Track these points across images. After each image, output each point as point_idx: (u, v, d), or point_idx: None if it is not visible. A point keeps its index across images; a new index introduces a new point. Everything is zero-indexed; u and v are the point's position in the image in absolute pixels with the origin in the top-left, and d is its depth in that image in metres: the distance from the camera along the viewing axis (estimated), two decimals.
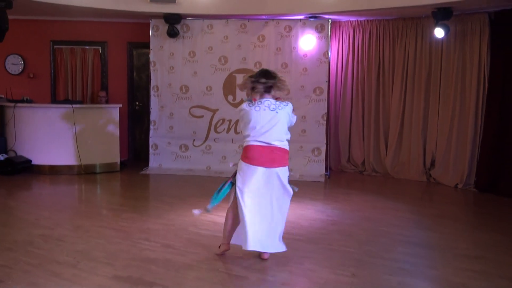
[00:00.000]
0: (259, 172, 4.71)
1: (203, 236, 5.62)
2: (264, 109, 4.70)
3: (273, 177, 4.79)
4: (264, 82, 4.71)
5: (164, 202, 7.39)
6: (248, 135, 4.75)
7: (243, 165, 4.75)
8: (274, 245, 4.79)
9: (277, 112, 4.75)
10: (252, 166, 4.69)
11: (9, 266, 4.61)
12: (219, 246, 4.97)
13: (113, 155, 9.84)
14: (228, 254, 4.94)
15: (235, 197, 4.76)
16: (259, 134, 4.70)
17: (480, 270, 4.76)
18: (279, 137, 4.82)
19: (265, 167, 4.72)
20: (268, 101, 4.75)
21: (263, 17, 9.65)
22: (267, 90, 4.76)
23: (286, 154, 4.94)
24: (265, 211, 4.76)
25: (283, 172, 4.89)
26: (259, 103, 4.73)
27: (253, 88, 4.76)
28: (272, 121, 4.72)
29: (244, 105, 4.78)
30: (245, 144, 4.79)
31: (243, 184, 4.71)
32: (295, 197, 7.70)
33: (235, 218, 4.81)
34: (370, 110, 9.94)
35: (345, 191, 8.68)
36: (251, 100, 4.82)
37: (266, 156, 4.74)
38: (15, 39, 10.25)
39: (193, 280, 4.38)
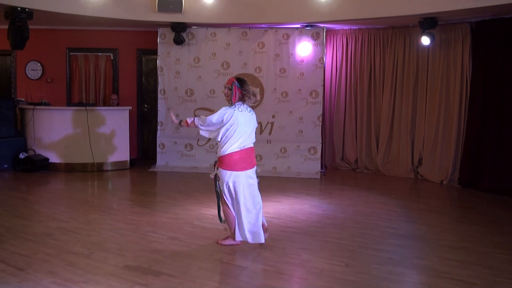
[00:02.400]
0: (242, 177, 4.83)
1: (207, 229, 5.62)
2: (243, 111, 4.81)
3: (252, 176, 4.96)
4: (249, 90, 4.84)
5: (170, 197, 7.40)
6: (231, 139, 4.76)
7: (226, 173, 4.82)
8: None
9: (252, 114, 4.94)
10: (235, 173, 4.79)
11: (30, 255, 4.63)
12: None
13: (123, 154, 9.84)
14: (230, 246, 4.95)
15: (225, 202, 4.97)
16: (243, 136, 4.79)
17: (463, 259, 4.77)
18: (253, 138, 4.97)
19: (247, 170, 4.85)
20: (244, 105, 4.87)
21: (263, 25, 9.64)
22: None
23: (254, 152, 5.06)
24: (249, 208, 4.92)
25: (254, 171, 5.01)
26: (239, 105, 4.83)
27: (243, 95, 4.83)
28: (251, 122, 4.89)
29: (227, 107, 4.81)
30: (227, 151, 4.77)
31: (229, 194, 4.89)
32: (294, 193, 7.82)
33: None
34: (362, 112, 9.94)
35: (339, 187, 8.68)
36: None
37: (247, 159, 4.86)
38: (35, 47, 10.27)
39: (197, 269, 4.38)
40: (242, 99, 4.81)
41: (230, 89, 4.81)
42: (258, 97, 4.93)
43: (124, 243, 5.13)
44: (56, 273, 4.19)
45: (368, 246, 5.18)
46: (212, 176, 4.97)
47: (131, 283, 4.03)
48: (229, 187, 4.82)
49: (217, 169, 4.84)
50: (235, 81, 4.80)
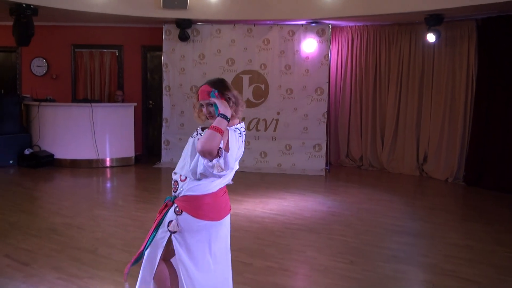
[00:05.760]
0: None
1: None
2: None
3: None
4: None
5: None
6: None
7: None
8: None
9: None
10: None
11: (35, 251, 4.64)
12: None
13: (128, 150, 9.86)
14: (234, 242, 4.94)
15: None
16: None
17: (469, 258, 4.76)
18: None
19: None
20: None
21: (268, 22, 9.62)
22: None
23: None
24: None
25: None
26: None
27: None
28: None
29: (235, 128, 2.84)
30: (197, 192, 2.83)
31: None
32: (298, 190, 7.81)
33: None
34: (368, 109, 9.92)
35: (344, 184, 8.67)
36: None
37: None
38: (40, 44, 10.27)
39: None
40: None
41: (211, 104, 2.82)
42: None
43: (129, 239, 5.14)
44: (61, 268, 4.21)
45: (372, 243, 5.17)
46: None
47: (135, 279, 4.03)
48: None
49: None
50: (212, 89, 2.85)
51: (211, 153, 2.60)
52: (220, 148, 2.61)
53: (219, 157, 2.61)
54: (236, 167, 2.91)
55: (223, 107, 2.71)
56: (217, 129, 2.61)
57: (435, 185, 8.63)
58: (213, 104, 2.81)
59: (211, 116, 2.83)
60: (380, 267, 4.46)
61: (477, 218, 6.45)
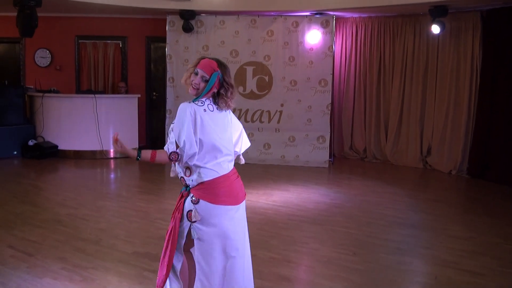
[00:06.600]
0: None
1: None
2: (212, 110, 2.92)
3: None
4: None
5: (178, 184, 7.37)
6: (208, 157, 2.90)
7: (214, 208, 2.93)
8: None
9: (229, 112, 3.07)
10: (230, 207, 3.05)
11: (39, 242, 4.68)
12: None
13: (132, 141, 9.86)
14: None
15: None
16: (223, 152, 2.98)
17: (471, 250, 4.77)
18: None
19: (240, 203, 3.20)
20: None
21: (272, 13, 9.59)
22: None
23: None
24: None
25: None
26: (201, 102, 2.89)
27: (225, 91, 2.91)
28: (228, 128, 3.03)
29: (187, 104, 2.86)
30: (209, 177, 2.93)
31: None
32: (302, 181, 7.82)
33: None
34: (372, 101, 9.90)
35: (347, 176, 8.68)
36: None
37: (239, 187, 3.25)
38: (44, 35, 10.24)
39: None
40: (216, 97, 2.92)
41: (207, 81, 2.85)
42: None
43: (132, 230, 5.18)
44: (65, 259, 4.24)
45: (375, 235, 5.19)
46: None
47: (139, 269, 4.07)
48: None
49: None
50: (218, 70, 2.86)
51: (168, 163, 2.98)
52: (172, 153, 2.89)
53: (177, 160, 2.92)
54: (248, 143, 3.35)
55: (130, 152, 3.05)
56: (150, 160, 2.99)
57: (439, 178, 8.63)
58: (208, 81, 2.85)
59: (195, 87, 2.89)
60: (382, 259, 4.48)
61: (480, 210, 6.45)
